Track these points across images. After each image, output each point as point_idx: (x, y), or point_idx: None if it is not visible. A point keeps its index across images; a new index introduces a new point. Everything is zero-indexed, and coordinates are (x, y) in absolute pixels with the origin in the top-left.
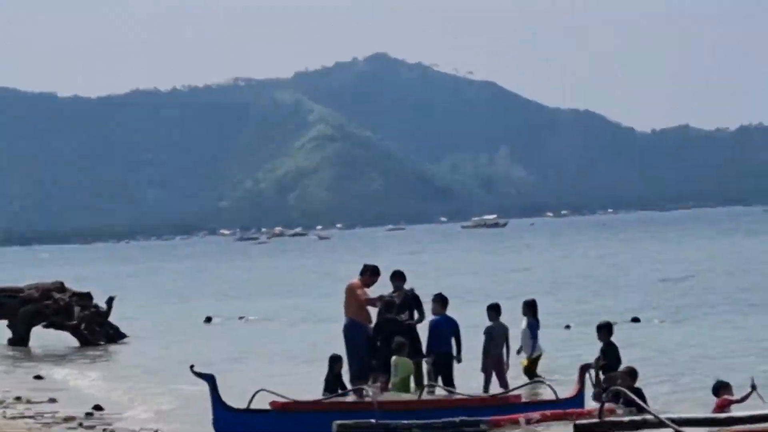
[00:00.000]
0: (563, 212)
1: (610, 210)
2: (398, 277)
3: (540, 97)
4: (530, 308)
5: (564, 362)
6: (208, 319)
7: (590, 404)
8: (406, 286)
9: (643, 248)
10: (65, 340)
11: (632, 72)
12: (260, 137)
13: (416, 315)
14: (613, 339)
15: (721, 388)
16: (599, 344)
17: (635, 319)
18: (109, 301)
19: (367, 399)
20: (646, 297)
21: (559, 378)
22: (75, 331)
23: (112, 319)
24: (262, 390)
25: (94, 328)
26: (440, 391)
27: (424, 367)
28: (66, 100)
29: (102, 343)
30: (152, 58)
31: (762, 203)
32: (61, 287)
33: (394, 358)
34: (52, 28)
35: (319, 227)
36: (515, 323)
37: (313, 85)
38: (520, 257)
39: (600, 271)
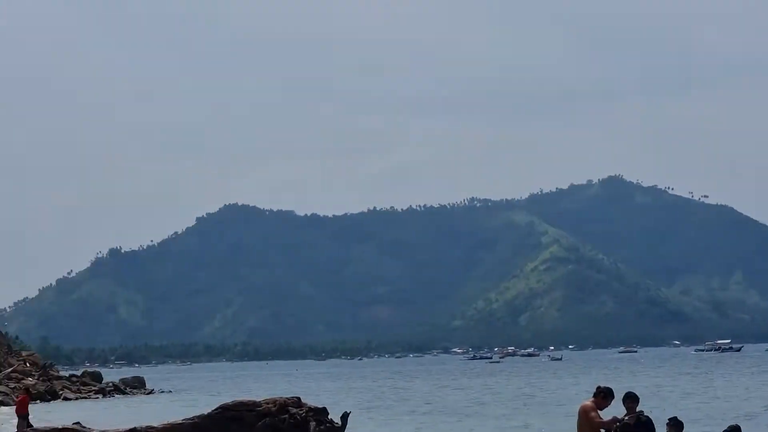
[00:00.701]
0: None
1: None
2: (631, 399)
3: None
4: None
5: None
6: None
7: None
8: (639, 409)
9: None
10: None
11: None
12: (493, 258)
13: None
14: None
15: None
16: None
17: None
18: (344, 417)
19: None
20: None
21: None
22: None
23: None
24: None
25: None
26: None
27: None
28: (303, 219)
29: None
30: (388, 176)
31: None
32: (297, 402)
33: None
34: (292, 150)
35: (551, 348)
36: None
37: (548, 206)
38: (755, 382)
39: None
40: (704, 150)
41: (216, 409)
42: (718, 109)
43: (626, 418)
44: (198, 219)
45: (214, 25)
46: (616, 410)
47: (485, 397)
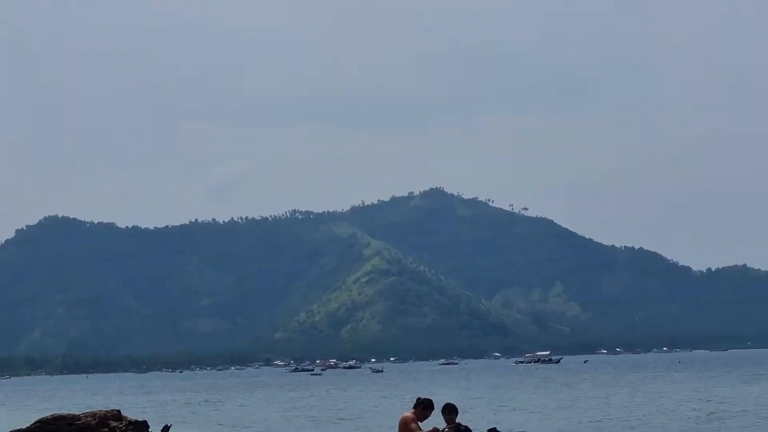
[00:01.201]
0: (617, 350)
1: (664, 348)
2: (450, 410)
3: (595, 234)
4: None
5: None
6: None
7: None
8: (459, 420)
9: (690, 389)
10: None
11: (689, 211)
12: (316, 270)
13: None
14: None
15: None
16: None
17: None
18: (165, 430)
19: None
20: None
21: None
22: None
23: None
24: None
25: None
26: None
27: None
28: (125, 231)
29: None
30: (210, 189)
31: None
32: (117, 415)
33: None
34: (113, 162)
35: (372, 360)
36: None
37: (370, 218)
38: (572, 395)
39: (645, 410)
40: (524, 163)
41: (34, 424)
42: (537, 123)
43: (446, 429)
44: (18, 231)
45: (31, 34)
46: (435, 421)
47: (300, 411)
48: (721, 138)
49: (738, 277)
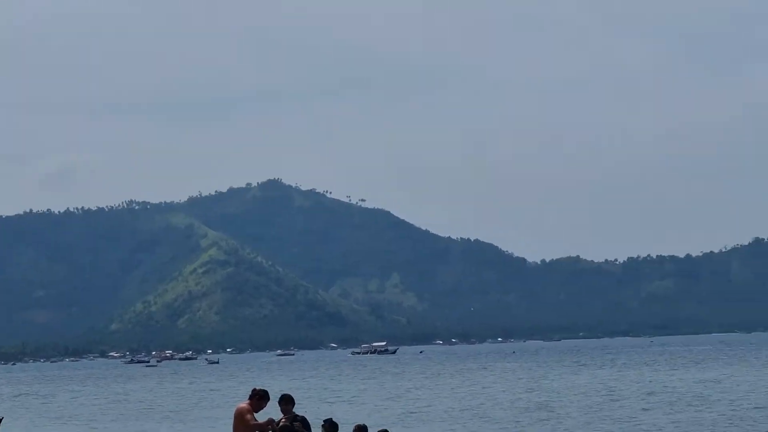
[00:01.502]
0: (453, 340)
1: (499, 339)
2: (287, 401)
3: (431, 225)
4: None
5: None
6: None
7: None
8: (295, 411)
9: (521, 378)
10: None
11: (524, 203)
12: (152, 261)
13: None
14: None
15: None
16: None
17: None
18: None
19: None
20: (512, 426)
21: None
22: None
23: None
24: None
25: None
26: None
27: None
28: None
29: None
30: (45, 179)
31: (648, 334)
32: None
33: None
34: None
35: (209, 351)
36: None
37: (207, 209)
38: (404, 385)
39: (473, 400)
40: (361, 155)
41: None
42: (373, 114)
43: (282, 419)
44: None
45: None
46: (271, 412)
47: (132, 403)
48: (552, 132)
49: (571, 269)
